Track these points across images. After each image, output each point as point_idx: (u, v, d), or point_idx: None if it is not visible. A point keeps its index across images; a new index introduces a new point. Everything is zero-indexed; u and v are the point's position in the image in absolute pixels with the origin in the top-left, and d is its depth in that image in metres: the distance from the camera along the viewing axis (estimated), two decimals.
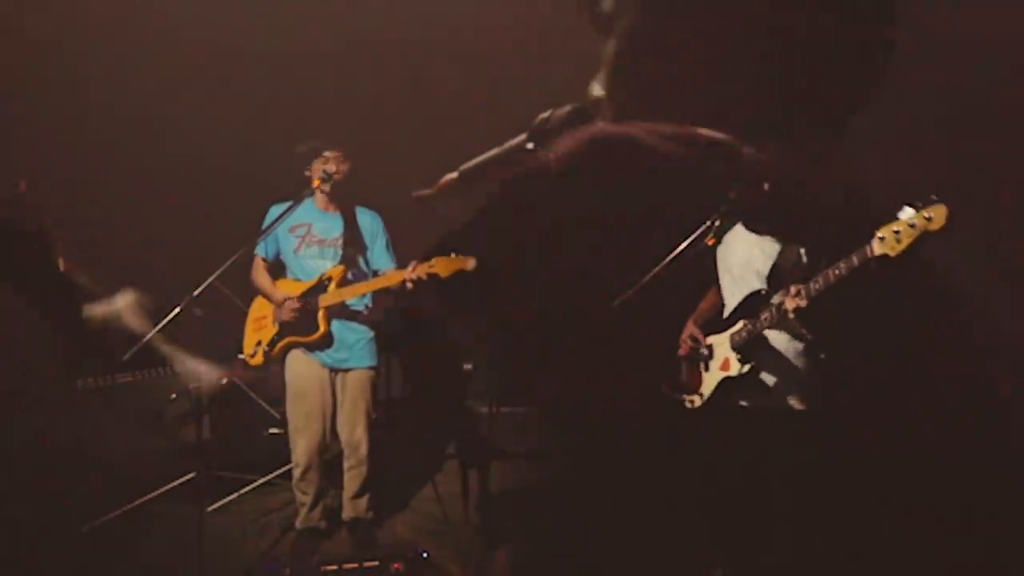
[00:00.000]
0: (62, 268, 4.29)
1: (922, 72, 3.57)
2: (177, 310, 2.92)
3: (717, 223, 2.79)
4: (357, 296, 3.48)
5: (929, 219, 2.29)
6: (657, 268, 2.84)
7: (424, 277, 3.27)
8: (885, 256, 2.38)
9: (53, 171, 4.60)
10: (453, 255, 3.26)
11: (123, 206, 4.85)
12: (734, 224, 2.97)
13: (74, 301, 4.14)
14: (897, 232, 2.34)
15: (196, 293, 2.94)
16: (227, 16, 4.82)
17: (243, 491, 4.22)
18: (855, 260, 2.46)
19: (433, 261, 3.28)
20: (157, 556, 3.58)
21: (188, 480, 4.14)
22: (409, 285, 3.30)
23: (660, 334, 3.23)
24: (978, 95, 3.48)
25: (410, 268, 3.30)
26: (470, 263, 3.27)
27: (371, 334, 3.59)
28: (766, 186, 2.79)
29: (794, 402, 2.78)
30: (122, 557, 3.59)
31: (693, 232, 2.83)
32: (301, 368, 3.55)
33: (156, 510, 4.01)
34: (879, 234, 2.38)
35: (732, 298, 2.96)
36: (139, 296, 3.37)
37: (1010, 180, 3.41)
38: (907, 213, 2.33)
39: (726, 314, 2.96)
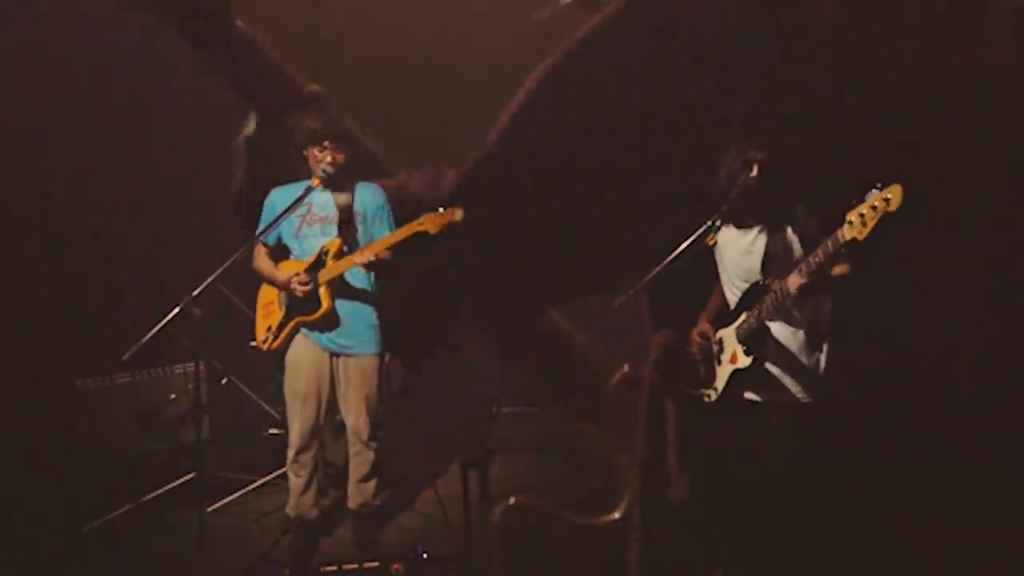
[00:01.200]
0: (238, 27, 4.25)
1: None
2: (177, 310, 2.90)
3: (718, 222, 2.78)
4: (354, 265, 3.38)
5: (887, 200, 2.29)
6: (659, 268, 2.83)
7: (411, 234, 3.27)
8: (855, 240, 2.37)
9: (52, 172, 4.60)
10: (441, 210, 3.24)
11: (123, 205, 4.84)
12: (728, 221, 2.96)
13: (246, 57, 4.18)
14: (863, 215, 2.34)
15: (196, 293, 2.93)
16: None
17: (243, 491, 4.22)
18: (830, 246, 2.47)
19: (422, 219, 3.26)
20: (157, 556, 3.58)
21: (188, 480, 4.14)
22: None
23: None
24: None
25: (402, 229, 3.31)
26: (457, 214, 3.24)
27: (375, 321, 3.55)
28: (755, 170, 2.76)
29: (799, 394, 2.78)
30: (122, 557, 3.59)
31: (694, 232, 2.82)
32: (299, 350, 3.52)
33: (156, 510, 4.01)
34: (849, 218, 2.38)
35: (732, 294, 2.98)
36: None
37: (1011, 176, 3.40)
38: (872, 195, 2.33)
39: (731, 308, 2.97)
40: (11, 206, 4.45)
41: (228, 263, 3.03)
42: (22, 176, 4.48)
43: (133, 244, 4.81)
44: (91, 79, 4.63)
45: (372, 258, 3.30)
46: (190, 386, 4.41)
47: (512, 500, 3.00)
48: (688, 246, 2.80)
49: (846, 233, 2.39)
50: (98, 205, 4.73)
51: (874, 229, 2.32)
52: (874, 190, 2.33)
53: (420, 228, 3.26)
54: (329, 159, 3.41)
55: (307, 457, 3.56)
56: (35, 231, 4.55)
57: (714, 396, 2.98)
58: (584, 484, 4.37)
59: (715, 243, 2.89)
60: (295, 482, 3.58)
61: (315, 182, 3.38)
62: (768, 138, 2.78)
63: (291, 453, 3.56)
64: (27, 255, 4.50)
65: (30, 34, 4.38)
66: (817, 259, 2.52)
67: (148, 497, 4.05)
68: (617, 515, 3.17)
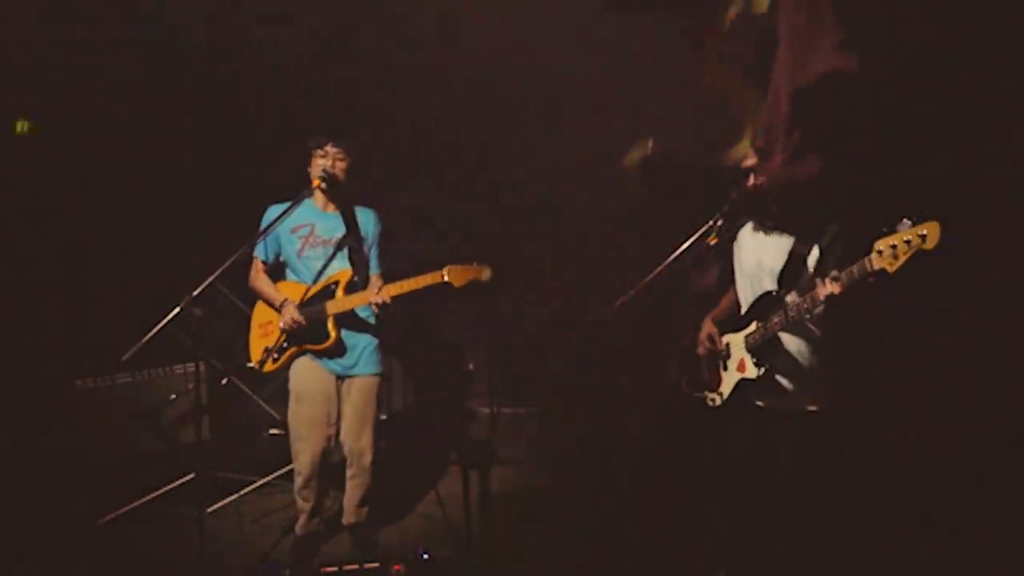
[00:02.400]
0: None
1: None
2: (177, 310, 2.89)
3: (719, 223, 2.78)
4: (365, 303, 3.33)
5: (923, 237, 2.27)
6: (659, 268, 2.83)
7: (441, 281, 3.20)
8: (883, 271, 2.35)
9: (53, 172, 4.60)
10: (471, 264, 3.19)
11: (122, 204, 4.85)
12: (745, 223, 2.96)
13: None
14: (894, 247, 2.31)
15: (196, 293, 2.91)
16: (228, 13, 4.81)
17: (243, 492, 4.21)
18: (855, 273, 2.43)
19: (446, 269, 3.19)
20: (157, 557, 3.57)
21: (188, 481, 4.14)
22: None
23: (671, 332, 3.23)
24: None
25: (424, 276, 3.23)
26: (485, 273, 3.19)
27: (376, 341, 3.51)
28: (757, 179, 2.76)
29: (809, 404, 2.76)
30: (122, 558, 3.58)
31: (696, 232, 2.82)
32: (306, 374, 3.46)
33: (156, 511, 4.00)
34: (878, 247, 2.35)
35: (745, 296, 2.97)
36: None
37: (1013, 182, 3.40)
38: (906, 227, 2.30)
39: (742, 312, 2.96)
40: (12, 206, 4.45)
41: (228, 263, 3.01)
42: (23, 176, 4.49)
43: (134, 244, 4.82)
44: (92, 77, 4.64)
45: (388, 300, 3.24)
46: (190, 386, 4.41)
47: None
48: (688, 246, 2.79)
49: (875, 263, 2.36)
50: (99, 205, 4.74)
51: (906, 263, 2.29)
52: (906, 222, 2.30)
53: (444, 279, 3.19)
54: (330, 163, 3.37)
55: (316, 483, 3.49)
56: (36, 231, 4.55)
57: (719, 401, 2.98)
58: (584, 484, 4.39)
59: (715, 243, 2.88)
60: (304, 507, 3.52)
61: (316, 182, 3.35)
62: (767, 145, 2.77)
63: (299, 480, 3.48)
64: (28, 255, 4.50)
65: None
66: (842, 282, 2.48)
67: (148, 497, 4.05)
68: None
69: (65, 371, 4.29)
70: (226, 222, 4.12)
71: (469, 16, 4.75)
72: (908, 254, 2.30)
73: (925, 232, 2.27)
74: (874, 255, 2.36)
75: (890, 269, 2.34)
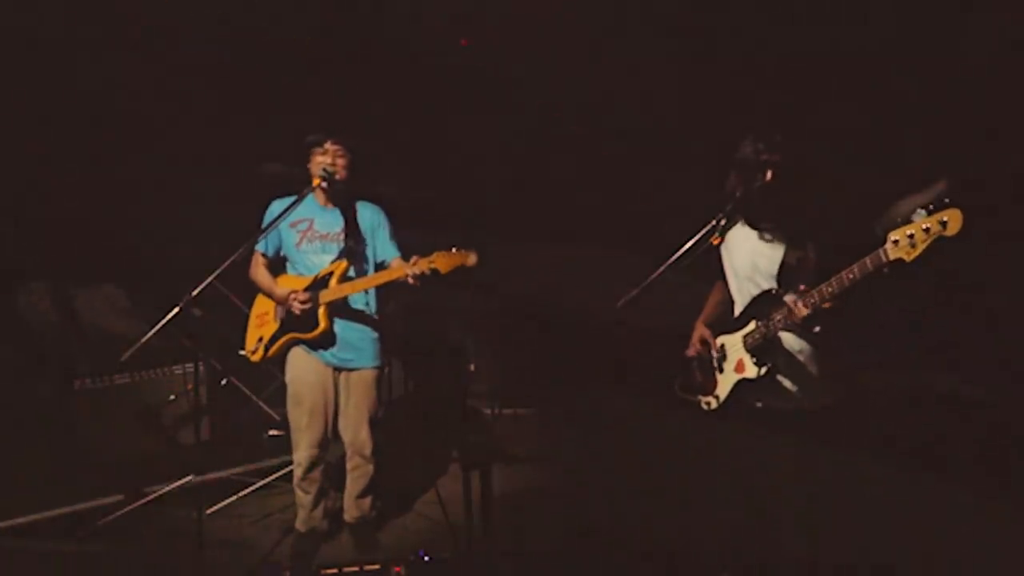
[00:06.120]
0: None
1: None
2: (176, 309, 2.88)
3: (723, 222, 2.74)
4: (358, 291, 3.38)
5: (944, 224, 2.23)
6: (661, 268, 2.80)
7: (426, 272, 3.20)
8: (900, 261, 2.31)
9: (51, 166, 4.58)
10: (454, 250, 3.20)
11: (121, 203, 4.83)
12: (736, 221, 2.91)
13: None
14: (911, 236, 2.27)
15: (195, 293, 2.90)
16: (226, 9, 4.80)
17: (243, 493, 4.19)
18: (869, 264, 2.38)
19: (433, 256, 3.21)
20: (156, 559, 3.56)
21: (187, 482, 4.12)
22: (411, 280, 3.22)
23: (667, 333, 3.20)
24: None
25: (411, 262, 3.22)
26: (471, 258, 3.20)
27: (376, 334, 3.53)
28: (769, 174, 2.70)
29: (810, 403, 2.74)
30: (121, 559, 3.56)
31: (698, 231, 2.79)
32: (302, 366, 3.49)
33: (155, 512, 3.99)
34: (893, 237, 2.30)
35: (740, 297, 2.92)
36: None
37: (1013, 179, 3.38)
38: (921, 216, 2.26)
39: (736, 313, 2.92)
40: (12, 205, 4.44)
41: (228, 263, 3.00)
42: (24, 175, 4.48)
43: (133, 242, 4.81)
44: (90, 76, 4.62)
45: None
46: (190, 387, 4.40)
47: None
48: (692, 246, 2.76)
49: (891, 253, 2.32)
50: (98, 203, 4.72)
51: (924, 252, 2.26)
52: (921, 211, 2.26)
53: (431, 266, 3.21)
54: (330, 160, 3.38)
55: (316, 474, 3.52)
56: (36, 230, 4.54)
57: (714, 404, 2.93)
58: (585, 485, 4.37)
59: (719, 243, 2.84)
60: (304, 499, 3.54)
61: (315, 182, 3.35)
62: (784, 141, 2.71)
63: (299, 471, 3.51)
64: (27, 254, 4.49)
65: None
66: (852, 275, 2.43)
67: (147, 499, 4.03)
68: None
69: (64, 371, 4.28)
70: (225, 221, 4.10)
71: (468, 13, 4.74)
72: (927, 242, 2.25)
73: (946, 218, 2.22)
74: (889, 245, 2.31)
75: (907, 258, 2.29)
